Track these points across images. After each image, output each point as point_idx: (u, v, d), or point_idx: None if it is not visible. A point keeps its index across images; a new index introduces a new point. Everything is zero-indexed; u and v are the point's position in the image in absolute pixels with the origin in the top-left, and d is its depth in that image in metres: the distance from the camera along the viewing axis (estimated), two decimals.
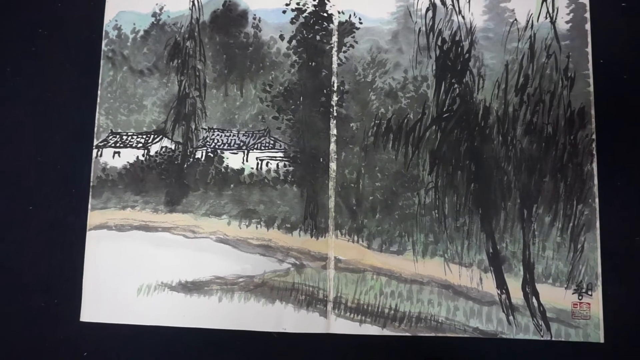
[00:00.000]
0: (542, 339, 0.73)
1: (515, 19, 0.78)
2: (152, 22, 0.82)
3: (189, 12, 0.82)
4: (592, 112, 0.76)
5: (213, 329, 0.75)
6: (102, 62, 0.81)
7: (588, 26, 0.77)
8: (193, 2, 0.82)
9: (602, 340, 0.72)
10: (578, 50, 0.77)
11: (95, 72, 0.81)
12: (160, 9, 0.82)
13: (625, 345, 0.72)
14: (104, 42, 0.82)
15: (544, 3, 0.78)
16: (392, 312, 0.74)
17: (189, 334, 0.75)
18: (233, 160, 0.79)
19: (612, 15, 0.78)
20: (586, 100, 0.76)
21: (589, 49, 0.77)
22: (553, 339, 0.73)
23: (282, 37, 0.80)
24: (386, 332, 0.74)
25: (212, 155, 0.79)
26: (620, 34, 0.78)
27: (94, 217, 0.78)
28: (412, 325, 0.74)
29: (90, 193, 0.79)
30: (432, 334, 0.74)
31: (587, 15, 0.77)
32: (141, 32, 0.82)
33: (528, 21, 0.78)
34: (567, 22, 0.78)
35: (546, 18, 0.78)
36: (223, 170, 0.79)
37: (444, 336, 0.74)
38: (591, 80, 0.76)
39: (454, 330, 0.74)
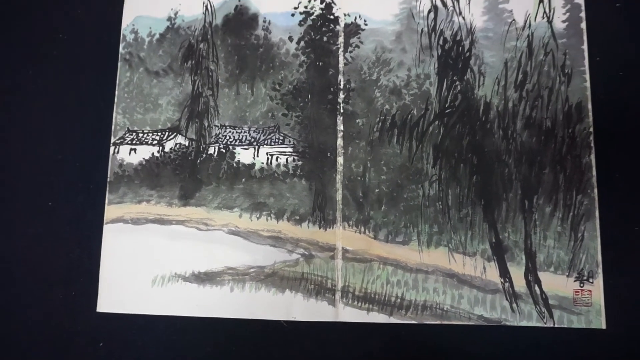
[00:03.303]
0: (545, 325, 0.75)
1: (514, 19, 0.81)
2: (168, 26, 0.86)
3: (203, 16, 0.86)
4: (589, 106, 0.78)
5: (225, 318, 0.77)
6: (119, 64, 0.85)
7: (584, 25, 0.80)
8: (206, 6, 0.86)
9: (604, 326, 0.74)
10: (574, 48, 0.80)
11: (112, 74, 0.85)
12: (175, 14, 0.86)
13: (626, 331, 0.74)
14: (121, 45, 0.86)
15: (541, 3, 0.81)
16: (399, 300, 0.77)
17: (202, 323, 0.78)
18: (244, 156, 0.82)
19: (607, 15, 0.81)
20: (583, 95, 0.79)
21: (585, 47, 0.80)
22: (556, 325, 0.74)
23: (290, 39, 0.84)
24: (393, 320, 0.76)
25: (224, 151, 0.82)
26: (615, 33, 0.81)
27: (110, 211, 0.81)
28: (418, 313, 0.76)
29: (107, 188, 0.82)
30: (438, 322, 0.76)
31: (583, 14, 0.81)
32: (157, 36, 0.86)
33: (526, 21, 0.81)
34: (563, 22, 0.81)
35: (543, 18, 0.81)
36: (235, 165, 0.82)
37: (449, 324, 0.76)
38: (587, 76, 0.79)
39: (459, 318, 0.76)
